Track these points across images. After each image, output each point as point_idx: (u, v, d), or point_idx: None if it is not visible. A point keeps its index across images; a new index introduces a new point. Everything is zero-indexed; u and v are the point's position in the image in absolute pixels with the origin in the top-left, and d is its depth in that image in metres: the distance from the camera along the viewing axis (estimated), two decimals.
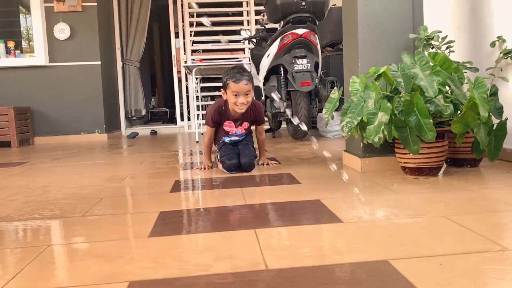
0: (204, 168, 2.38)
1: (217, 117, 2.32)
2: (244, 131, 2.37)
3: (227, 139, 2.38)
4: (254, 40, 4.50)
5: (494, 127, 1.87)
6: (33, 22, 5.15)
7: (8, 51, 5.17)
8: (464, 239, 1.08)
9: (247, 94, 2.18)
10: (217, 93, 6.26)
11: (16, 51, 5.20)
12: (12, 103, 4.84)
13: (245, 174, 2.21)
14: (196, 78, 4.72)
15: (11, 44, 5.18)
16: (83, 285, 0.90)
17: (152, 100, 8.69)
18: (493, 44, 2.20)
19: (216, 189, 1.88)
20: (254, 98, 2.37)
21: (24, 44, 5.64)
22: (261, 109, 2.36)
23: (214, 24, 6.41)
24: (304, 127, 3.55)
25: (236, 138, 2.37)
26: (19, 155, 3.85)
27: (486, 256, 0.96)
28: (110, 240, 1.21)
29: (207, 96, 6.30)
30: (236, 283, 0.88)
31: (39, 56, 5.15)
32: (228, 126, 2.34)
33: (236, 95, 2.17)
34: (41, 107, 5.17)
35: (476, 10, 2.40)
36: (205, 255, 1.05)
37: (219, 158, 2.31)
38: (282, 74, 3.68)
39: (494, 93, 1.97)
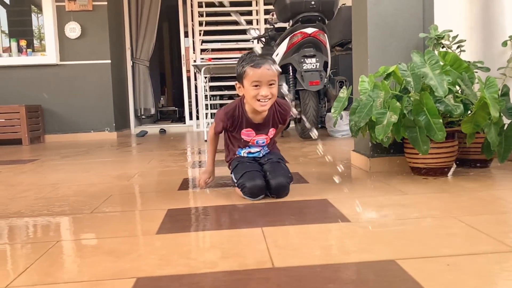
0: (205, 183, 1.81)
1: (229, 124, 1.69)
2: (268, 140, 1.75)
3: (243, 152, 1.75)
4: (263, 39, 4.50)
5: (505, 128, 1.85)
6: (45, 21, 5.21)
7: (20, 50, 5.23)
8: (472, 239, 1.07)
9: (271, 84, 1.57)
10: (225, 92, 6.27)
11: (28, 50, 5.27)
12: (24, 101, 4.90)
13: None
14: (205, 77, 4.73)
15: (23, 42, 5.24)
16: (91, 280, 0.91)
17: (161, 99, 8.73)
18: (504, 44, 2.18)
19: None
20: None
21: (36, 43, 5.71)
22: (289, 109, 1.77)
23: (223, 23, 6.42)
24: (307, 124, 3.51)
25: (257, 150, 1.75)
26: (30, 152, 3.89)
27: (494, 257, 0.95)
28: (118, 236, 1.22)
29: (215, 95, 6.32)
30: (242, 280, 0.88)
31: (50, 55, 5.21)
32: (247, 134, 1.70)
33: (257, 86, 1.56)
34: (51, 105, 5.22)
35: (487, 9, 2.37)
36: (212, 252, 1.05)
37: (235, 181, 1.65)
38: (291, 74, 3.67)
39: (505, 93, 1.94)
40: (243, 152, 1.75)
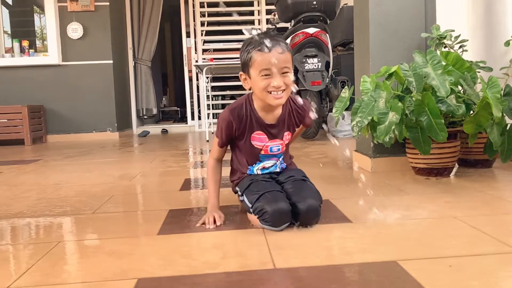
0: (214, 222, 1.28)
1: (236, 125, 1.32)
2: (284, 148, 1.39)
3: (256, 168, 1.38)
4: None
5: (508, 128, 1.84)
6: (47, 22, 5.22)
7: (22, 50, 5.24)
8: (475, 240, 1.06)
9: (285, 73, 1.25)
10: (227, 92, 6.27)
11: (30, 50, 5.28)
12: (26, 101, 4.91)
13: None
14: (207, 77, 4.73)
15: (25, 43, 5.26)
16: (92, 281, 0.91)
17: (163, 99, 8.73)
18: (507, 44, 2.17)
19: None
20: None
21: (38, 43, 5.73)
22: (308, 108, 1.41)
23: (225, 23, 6.42)
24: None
25: (272, 163, 1.39)
26: (32, 153, 3.90)
27: (497, 258, 0.95)
28: (119, 237, 1.22)
29: (217, 95, 6.32)
30: (244, 281, 0.88)
31: (52, 55, 5.22)
32: (258, 140, 1.34)
33: (267, 75, 1.23)
34: (54, 105, 5.23)
35: (490, 9, 2.36)
36: (213, 253, 1.05)
37: (249, 206, 1.26)
38: (293, 73, 3.67)
39: (508, 93, 1.93)
40: (256, 169, 1.38)
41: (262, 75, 1.24)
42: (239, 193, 1.36)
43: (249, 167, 1.38)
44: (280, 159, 1.41)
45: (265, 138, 1.34)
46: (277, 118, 1.34)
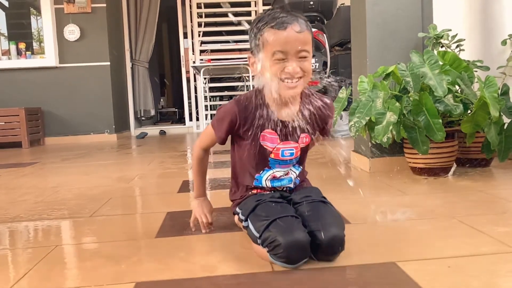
0: (206, 227, 1.22)
1: (241, 119, 1.09)
2: (298, 153, 1.13)
3: (264, 178, 1.13)
4: None
5: (505, 127, 1.84)
6: (44, 24, 5.21)
7: (19, 53, 5.23)
8: (473, 240, 1.06)
9: (303, 57, 1.00)
10: (225, 93, 6.26)
11: (27, 53, 5.26)
12: (23, 103, 4.90)
13: None
14: (205, 78, 4.73)
15: (22, 45, 5.24)
16: (89, 285, 0.90)
17: (161, 100, 8.73)
18: (504, 43, 2.17)
19: None
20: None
21: (35, 45, 5.71)
22: (333, 105, 1.17)
23: (222, 24, 6.42)
24: None
25: (282, 172, 1.14)
26: (29, 155, 3.89)
27: (496, 258, 0.95)
28: (117, 240, 1.21)
29: (215, 96, 6.31)
30: (242, 284, 0.88)
31: (49, 57, 5.21)
32: (270, 140, 1.10)
33: (281, 59, 1.00)
34: (51, 107, 5.21)
35: (486, 8, 2.37)
36: (211, 256, 1.05)
37: (256, 235, 1.00)
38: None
39: (505, 92, 1.94)
40: (265, 179, 1.13)
41: (276, 58, 0.99)
42: (241, 217, 1.10)
43: (256, 176, 1.13)
44: (295, 170, 1.15)
45: (277, 139, 1.09)
46: (293, 114, 1.09)
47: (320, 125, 1.14)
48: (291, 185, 1.16)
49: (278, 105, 1.08)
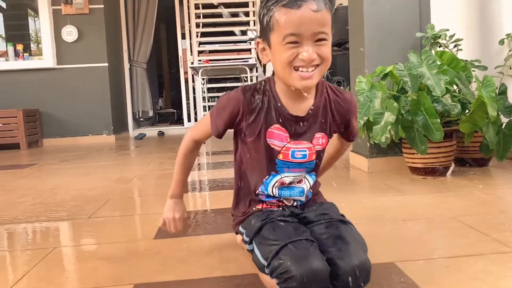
0: (181, 228, 1.06)
1: (246, 111, 0.92)
2: (313, 155, 0.95)
3: (271, 184, 0.95)
4: None
5: (503, 126, 1.85)
6: (41, 25, 5.20)
7: (17, 54, 5.22)
8: (472, 240, 1.06)
9: (320, 39, 0.83)
10: (224, 93, 6.25)
11: (24, 54, 5.25)
12: (21, 105, 4.89)
13: None
14: (203, 79, 4.73)
15: (19, 47, 5.23)
16: (88, 287, 0.90)
17: (160, 101, 8.72)
18: (501, 42, 2.17)
19: None
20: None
21: (33, 47, 5.70)
22: (353, 99, 0.98)
23: (220, 24, 6.42)
24: None
25: (292, 177, 0.95)
26: (28, 157, 3.88)
27: (494, 258, 0.95)
28: (115, 242, 1.21)
29: (214, 97, 6.31)
30: (241, 285, 0.87)
31: (47, 59, 5.20)
32: (277, 137, 0.92)
33: (294, 43, 0.83)
34: (49, 109, 5.20)
35: (484, 8, 2.37)
36: (210, 257, 1.05)
37: (264, 263, 0.80)
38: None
39: (503, 91, 1.94)
40: (272, 186, 0.95)
41: (287, 43, 0.83)
42: (245, 238, 0.91)
43: (263, 182, 0.95)
44: (310, 178, 0.97)
45: (286, 137, 0.91)
46: (307, 109, 0.92)
47: (340, 123, 0.97)
48: (303, 198, 0.97)
49: (290, 98, 0.91)
